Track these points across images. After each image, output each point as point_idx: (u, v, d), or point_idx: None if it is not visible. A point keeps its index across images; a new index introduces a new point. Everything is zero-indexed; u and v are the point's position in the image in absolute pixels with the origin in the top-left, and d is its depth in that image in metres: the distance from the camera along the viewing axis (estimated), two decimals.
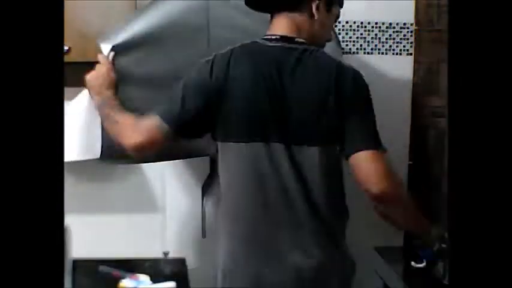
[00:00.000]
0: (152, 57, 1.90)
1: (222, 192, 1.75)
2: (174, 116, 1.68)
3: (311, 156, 1.66)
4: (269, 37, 1.70)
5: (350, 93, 1.66)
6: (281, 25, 1.71)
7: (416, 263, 2.20)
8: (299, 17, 1.70)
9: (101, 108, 1.79)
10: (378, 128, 1.70)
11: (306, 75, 1.65)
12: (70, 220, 1.29)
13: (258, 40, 1.71)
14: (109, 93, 1.80)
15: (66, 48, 1.95)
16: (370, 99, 1.70)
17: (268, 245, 1.69)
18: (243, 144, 1.66)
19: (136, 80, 1.90)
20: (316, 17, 1.71)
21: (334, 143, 1.68)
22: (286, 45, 1.68)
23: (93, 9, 2.06)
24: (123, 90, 1.85)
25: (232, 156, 1.70)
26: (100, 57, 1.86)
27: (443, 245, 2.01)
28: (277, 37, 1.69)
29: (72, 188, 1.92)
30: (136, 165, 2.29)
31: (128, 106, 1.79)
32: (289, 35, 1.69)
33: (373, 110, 1.70)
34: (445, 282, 1.99)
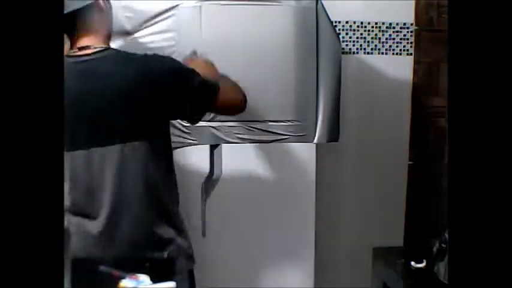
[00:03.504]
0: None
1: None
2: None
3: (131, 151, 1.68)
4: (71, 53, 1.72)
5: (165, 76, 1.70)
6: (79, 37, 1.71)
7: (416, 263, 2.20)
8: (89, 19, 1.71)
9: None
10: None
11: (105, 79, 1.68)
12: None
13: (65, 58, 1.72)
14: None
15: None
16: (181, 68, 1.74)
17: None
18: (71, 152, 1.69)
19: None
20: (104, 9, 1.74)
21: (155, 135, 1.72)
22: (84, 57, 1.70)
23: None
24: None
25: (68, 164, 1.72)
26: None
27: (443, 245, 2.01)
28: (75, 51, 1.71)
29: None
30: None
31: None
32: (86, 44, 1.71)
33: (191, 72, 1.73)
34: (445, 282, 1.99)
